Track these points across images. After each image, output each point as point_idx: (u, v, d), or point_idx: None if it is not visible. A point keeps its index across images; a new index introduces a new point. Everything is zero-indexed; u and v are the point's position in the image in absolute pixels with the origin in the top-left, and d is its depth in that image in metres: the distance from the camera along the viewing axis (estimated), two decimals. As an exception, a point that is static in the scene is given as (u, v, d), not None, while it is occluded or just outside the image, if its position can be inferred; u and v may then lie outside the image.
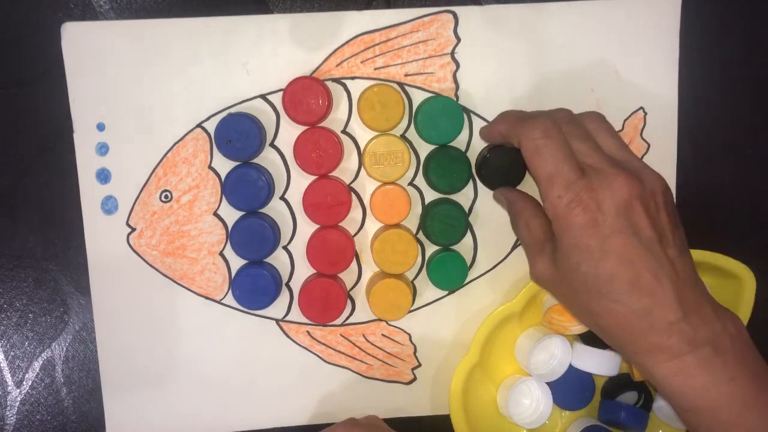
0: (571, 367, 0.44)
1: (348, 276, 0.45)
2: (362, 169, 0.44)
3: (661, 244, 0.35)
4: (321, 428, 0.42)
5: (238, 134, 0.42)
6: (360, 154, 0.44)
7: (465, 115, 0.44)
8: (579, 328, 0.43)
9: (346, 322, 0.45)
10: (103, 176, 0.44)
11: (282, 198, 0.44)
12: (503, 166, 0.43)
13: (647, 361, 0.35)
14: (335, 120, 0.44)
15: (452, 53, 0.44)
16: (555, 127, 0.37)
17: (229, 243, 0.44)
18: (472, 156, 0.44)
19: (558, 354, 0.44)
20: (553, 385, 0.45)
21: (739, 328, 0.35)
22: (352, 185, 0.44)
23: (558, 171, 0.36)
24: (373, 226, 0.45)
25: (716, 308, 0.36)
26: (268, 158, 0.44)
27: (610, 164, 0.36)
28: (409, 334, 0.46)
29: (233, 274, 0.44)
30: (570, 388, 0.45)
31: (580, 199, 0.35)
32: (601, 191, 0.35)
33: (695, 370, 0.34)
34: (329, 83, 0.43)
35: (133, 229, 0.44)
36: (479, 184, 0.45)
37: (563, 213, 0.35)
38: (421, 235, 0.45)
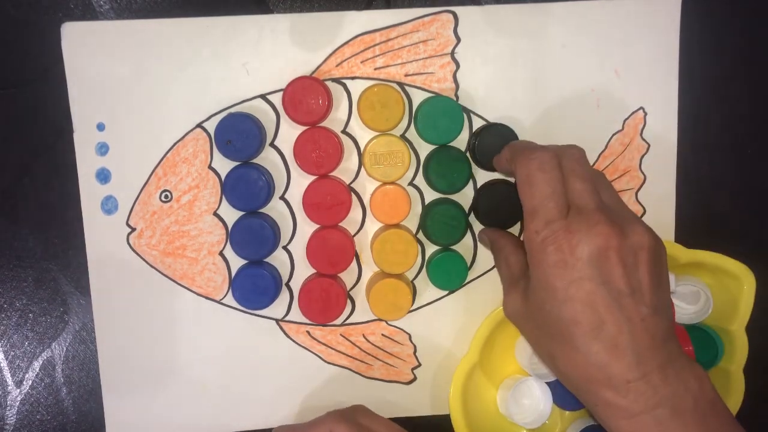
0: (571, 367, 0.44)
1: (348, 276, 0.45)
2: (362, 169, 0.44)
3: (633, 298, 0.34)
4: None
5: (238, 134, 0.42)
6: (360, 154, 0.44)
7: (465, 115, 0.44)
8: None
9: (346, 322, 0.45)
10: (103, 176, 0.44)
11: (282, 198, 0.44)
12: (494, 145, 0.42)
13: (604, 415, 0.34)
14: (335, 120, 0.44)
15: (452, 53, 0.44)
16: (553, 162, 0.36)
17: (229, 243, 0.44)
18: (472, 156, 0.44)
19: (558, 354, 0.44)
20: (553, 385, 0.45)
21: (704, 386, 0.34)
22: (352, 185, 0.44)
23: (541, 206, 0.35)
24: (373, 226, 0.45)
25: (683, 366, 0.34)
26: (268, 158, 0.44)
27: (597, 209, 0.35)
28: (409, 334, 0.46)
29: (233, 274, 0.44)
30: (570, 388, 0.45)
31: (555, 238, 0.34)
32: (578, 234, 0.34)
33: (651, 431, 0.33)
34: (329, 83, 0.43)
35: (133, 229, 0.44)
36: (479, 183, 0.45)
37: (536, 249, 0.35)
38: (421, 235, 0.45)
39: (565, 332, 0.35)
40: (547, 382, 0.45)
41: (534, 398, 0.45)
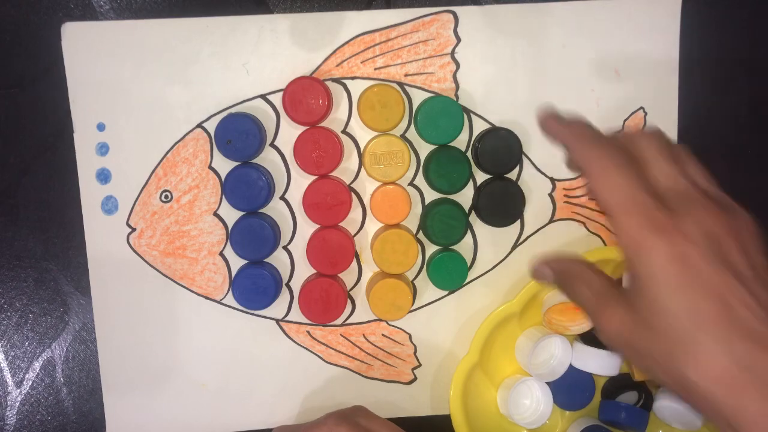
0: (571, 367, 0.44)
1: (348, 276, 0.45)
2: (362, 169, 0.44)
3: (758, 282, 0.29)
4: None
5: (238, 134, 0.42)
6: (360, 154, 0.44)
7: (465, 115, 0.44)
8: (579, 328, 0.43)
9: (346, 322, 0.45)
10: (103, 176, 0.44)
11: (282, 198, 0.44)
12: (496, 149, 0.42)
13: None
14: (335, 120, 0.44)
15: (452, 53, 0.44)
16: (626, 152, 0.33)
17: (229, 243, 0.44)
18: (472, 156, 0.44)
19: (558, 354, 0.44)
20: (553, 385, 0.45)
21: None
22: (352, 185, 0.44)
23: (633, 197, 0.31)
24: (373, 226, 0.45)
25: None
26: (268, 158, 0.44)
27: (697, 191, 0.32)
28: (409, 334, 0.46)
29: (233, 274, 0.44)
30: (570, 388, 0.45)
31: (661, 225, 0.30)
32: (687, 217, 0.30)
33: None
34: (329, 83, 0.43)
35: (133, 229, 0.44)
36: (479, 183, 0.45)
37: (642, 240, 0.30)
38: (421, 235, 0.45)
39: (689, 328, 0.29)
40: (547, 382, 0.45)
41: (534, 398, 0.45)
